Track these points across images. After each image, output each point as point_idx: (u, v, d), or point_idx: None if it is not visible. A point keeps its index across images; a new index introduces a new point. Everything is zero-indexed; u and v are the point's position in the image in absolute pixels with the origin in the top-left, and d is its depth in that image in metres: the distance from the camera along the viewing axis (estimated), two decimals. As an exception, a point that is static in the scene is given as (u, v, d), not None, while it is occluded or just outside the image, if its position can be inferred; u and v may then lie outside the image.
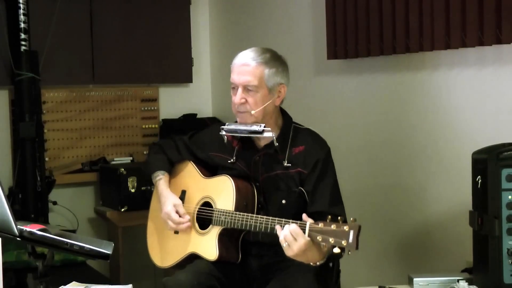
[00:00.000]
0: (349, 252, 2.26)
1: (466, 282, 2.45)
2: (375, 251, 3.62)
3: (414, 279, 2.58)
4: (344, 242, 2.24)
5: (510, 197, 2.31)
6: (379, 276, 3.48)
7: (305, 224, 2.33)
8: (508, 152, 2.32)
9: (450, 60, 3.15)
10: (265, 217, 2.51)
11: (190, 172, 2.86)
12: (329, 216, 2.32)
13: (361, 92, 3.66)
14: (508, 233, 2.31)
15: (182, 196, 2.81)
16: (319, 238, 2.29)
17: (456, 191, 3.11)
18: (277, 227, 2.40)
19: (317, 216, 2.41)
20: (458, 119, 3.14)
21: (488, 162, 2.33)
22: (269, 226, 2.47)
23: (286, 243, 2.35)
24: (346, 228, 2.25)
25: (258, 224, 2.50)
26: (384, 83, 3.52)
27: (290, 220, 2.39)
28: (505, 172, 2.31)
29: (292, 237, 2.33)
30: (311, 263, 2.42)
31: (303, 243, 2.32)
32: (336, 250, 2.27)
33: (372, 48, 3.43)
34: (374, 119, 3.59)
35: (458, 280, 2.47)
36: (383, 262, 3.57)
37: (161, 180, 2.83)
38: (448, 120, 3.19)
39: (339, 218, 2.30)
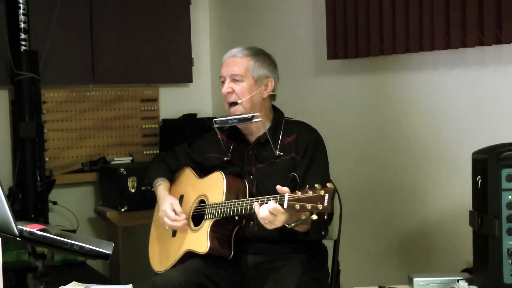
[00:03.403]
0: (325, 217, 2.30)
1: (466, 282, 2.44)
2: (375, 251, 3.61)
3: (414, 279, 2.57)
4: (320, 206, 2.28)
5: (510, 197, 2.30)
6: (379, 276, 3.48)
7: (284, 196, 2.36)
8: (508, 152, 2.32)
9: (450, 60, 3.15)
10: (249, 199, 2.57)
11: (187, 177, 2.93)
12: (307, 185, 2.35)
13: (361, 92, 3.66)
14: (508, 233, 2.31)
15: (180, 200, 2.86)
16: (297, 206, 2.32)
17: (456, 191, 3.11)
18: (255, 204, 2.43)
19: None
20: (458, 119, 3.14)
21: (488, 162, 2.33)
22: (251, 206, 2.50)
23: (267, 221, 2.39)
24: (322, 192, 2.29)
25: (243, 207, 2.56)
26: (384, 83, 3.52)
27: (271, 196, 2.41)
28: (505, 172, 2.31)
29: (272, 215, 2.37)
30: (286, 225, 2.42)
31: (284, 218, 2.37)
32: (314, 216, 2.30)
33: (372, 48, 3.43)
34: (374, 119, 3.59)
35: (458, 280, 2.47)
36: (383, 262, 3.57)
37: (160, 185, 2.90)
38: (448, 120, 3.19)
39: (316, 185, 2.32)
